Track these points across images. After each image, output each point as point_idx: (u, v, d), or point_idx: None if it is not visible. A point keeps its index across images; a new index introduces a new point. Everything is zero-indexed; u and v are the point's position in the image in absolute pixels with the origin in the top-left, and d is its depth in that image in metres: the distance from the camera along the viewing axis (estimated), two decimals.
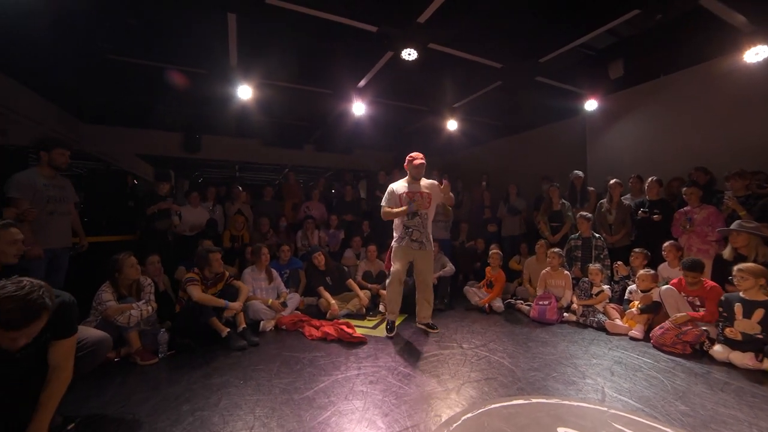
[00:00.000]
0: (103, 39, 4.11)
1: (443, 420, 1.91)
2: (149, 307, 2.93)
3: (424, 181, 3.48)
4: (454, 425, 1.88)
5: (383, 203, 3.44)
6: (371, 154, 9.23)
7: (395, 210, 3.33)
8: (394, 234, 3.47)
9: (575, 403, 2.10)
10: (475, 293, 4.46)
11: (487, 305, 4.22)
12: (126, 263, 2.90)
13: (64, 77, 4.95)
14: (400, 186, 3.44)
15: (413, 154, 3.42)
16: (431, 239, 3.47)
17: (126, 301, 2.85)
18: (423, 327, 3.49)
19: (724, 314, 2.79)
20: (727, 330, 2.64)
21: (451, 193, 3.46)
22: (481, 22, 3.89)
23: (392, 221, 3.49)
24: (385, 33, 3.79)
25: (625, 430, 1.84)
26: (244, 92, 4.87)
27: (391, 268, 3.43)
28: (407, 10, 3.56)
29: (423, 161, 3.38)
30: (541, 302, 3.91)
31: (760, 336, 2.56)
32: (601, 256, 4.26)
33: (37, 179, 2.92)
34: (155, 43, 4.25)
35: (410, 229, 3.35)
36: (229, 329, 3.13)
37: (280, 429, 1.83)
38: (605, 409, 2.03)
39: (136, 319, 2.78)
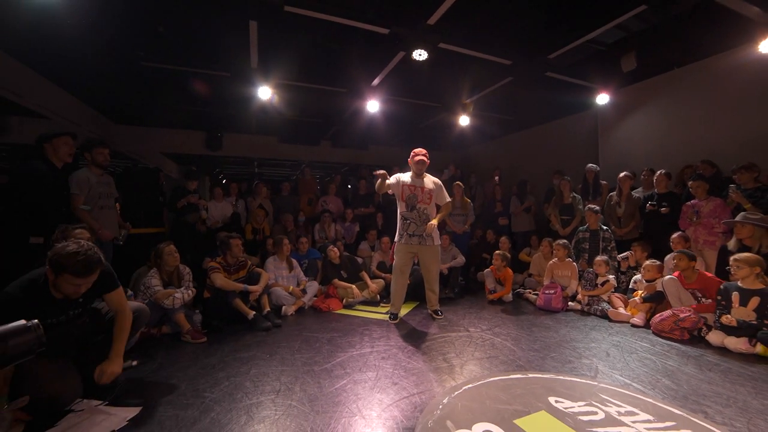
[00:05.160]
0: (136, 47, 4.48)
1: (446, 388, 2.15)
2: (189, 292, 3.27)
3: (429, 178, 3.57)
4: (456, 393, 2.11)
5: (387, 180, 3.44)
6: (386, 149, 9.43)
7: (380, 180, 3.35)
8: (397, 226, 3.60)
9: (568, 378, 2.29)
10: (492, 280, 4.51)
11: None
12: (165, 251, 3.24)
13: (100, 82, 5.37)
14: (405, 176, 3.53)
15: (416, 150, 3.49)
16: (434, 234, 3.51)
17: (169, 288, 3.20)
18: (431, 313, 3.73)
19: (722, 302, 2.90)
20: (723, 317, 2.75)
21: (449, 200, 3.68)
22: (489, 22, 4.02)
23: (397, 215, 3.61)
24: (396, 35, 3.99)
25: (611, 399, 2.02)
26: (264, 93, 5.16)
27: (393, 263, 3.64)
28: (417, 12, 3.73)
29: (423, 158, 3.43)
30: (547, 291, 4.06)
31: (754, 322, 2.67)
32: (609, 249, 4.37)
33: (91, 177, 3.29)
34: (182, 49, 4.58)
35: (408, 221, 3.48)
36: (255, 312, 3.45)
37: (303, 393, 2.11)
38: (595, 383, 2.22)
39: (180, 302, 3.12)
